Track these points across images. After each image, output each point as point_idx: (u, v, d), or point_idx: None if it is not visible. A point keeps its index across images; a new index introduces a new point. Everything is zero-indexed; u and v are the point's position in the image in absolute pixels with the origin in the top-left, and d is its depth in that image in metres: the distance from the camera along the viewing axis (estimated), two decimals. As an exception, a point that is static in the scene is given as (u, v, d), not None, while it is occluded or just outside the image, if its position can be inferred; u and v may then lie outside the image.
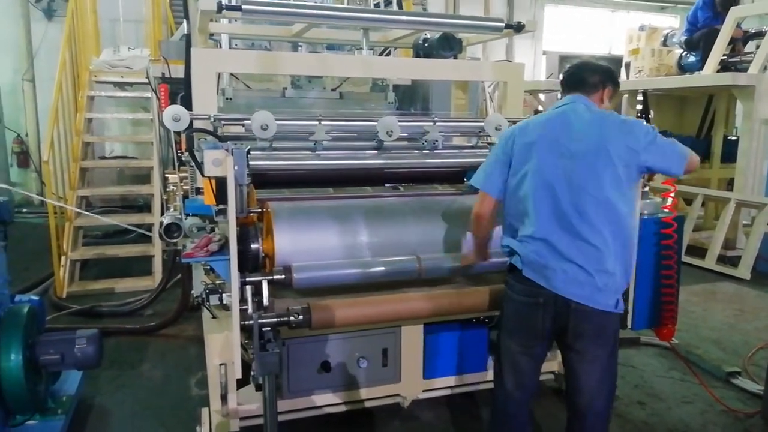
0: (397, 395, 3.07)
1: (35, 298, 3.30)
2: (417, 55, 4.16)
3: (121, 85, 6.41)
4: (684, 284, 3.76)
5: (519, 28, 3.71)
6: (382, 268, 2.84)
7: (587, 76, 2.44)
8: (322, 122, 3.06)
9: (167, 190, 3.94)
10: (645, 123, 2.36)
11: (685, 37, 7.70)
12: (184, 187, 3.54)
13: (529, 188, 2.32)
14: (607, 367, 2.36)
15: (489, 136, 3.44)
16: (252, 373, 2.52)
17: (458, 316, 3.03)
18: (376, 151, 3.26)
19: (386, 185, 3.65)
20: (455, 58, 4.07)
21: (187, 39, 4.29)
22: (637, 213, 3.05)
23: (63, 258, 5.29)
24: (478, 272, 3.07)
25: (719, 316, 4.98)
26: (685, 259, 5.98)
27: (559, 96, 2.54)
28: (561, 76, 2.57)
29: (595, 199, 2.22)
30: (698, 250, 6.47)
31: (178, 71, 5.15)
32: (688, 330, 4.55)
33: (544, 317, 2.29)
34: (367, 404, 3.04)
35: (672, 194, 2.81)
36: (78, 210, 5.47)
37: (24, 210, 8.43)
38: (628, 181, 2.27)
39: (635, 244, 2.31)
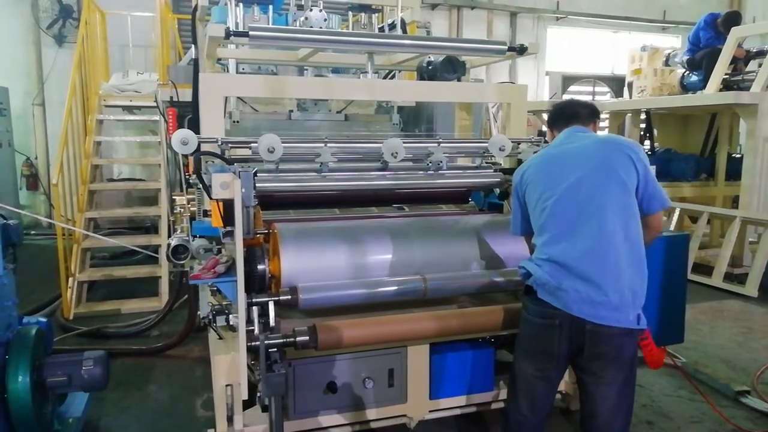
0: (404, 416, 3.05)
1: (43, 320, 3.30)
2: (421, 77, 4.22)
3: (129, 109, 6.51)
4: (691, 302, 3.76)
5: (522, 50, 3.76)
6: (388, 289, 2.85)
7: (580, 110, 2.58)
8: (328, 144, 3.10)
9: (174, 211, 3.99)
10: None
11: (687, 57, 7.77)
12: (192, 208, 3.58)
13: (540, 213, 2.39)
14: (624, 390, 2.32)
15: (493, 156, 3.47)
16: (258, 394, 2.54)
17: (464, 336, 3.02)
18: (381, 173, 3.29)
19: (391, 206, 3.68)
20: (459, 80, 4.12)
21: (195, 64, 4.38)
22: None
23: (71, 279, 5.33)
24: (486, 292, 3.07)
25: (727, 334, 4.94)
26: (691, 276, 5.97)
27: (547, 132, 2.68)
28: (548, 116, 2.73)
29: (606, 214, 2.24)
30: (705, 268, 6.44)
31: (185, 95, 5.24)
32: (696, 348, 4.52)
33: (561, 339, 2.27)
34: (373, 425, 3.03)
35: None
36: (86, 232, 5.52)
37: (32, 232, 8.50)
38: (633, 192, 2.29)
39: (645, 257, 2.31)
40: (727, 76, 7.16)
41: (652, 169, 2.38)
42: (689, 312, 3.71)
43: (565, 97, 12.87)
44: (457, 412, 3.19)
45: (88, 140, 5.98)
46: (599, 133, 2.58)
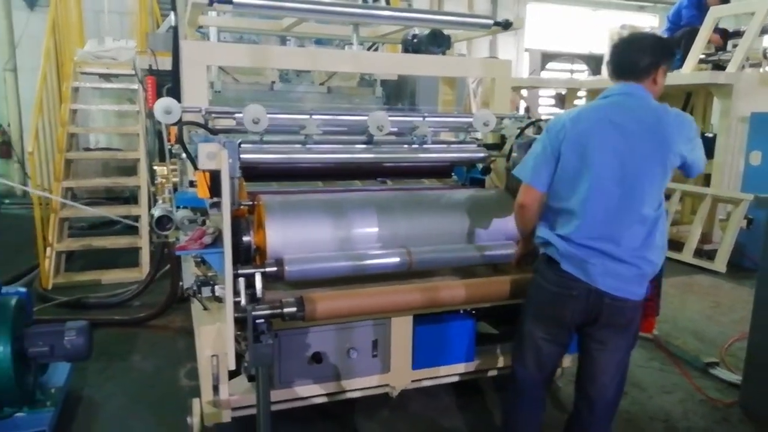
0: (387, 385, 3.11)
1: (22, 289, 3.26)
2: (406, 50, 4.20)
3: (106, 77, 6.35)
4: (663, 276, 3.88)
5: (507, 25, 3.77)
6: (373, 261, 2.87)
7: (637, 60, 2.26)
8: (313, 116, 3.09)
9: (156, 182, 3.94)
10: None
11: (666, 36, 7.83)
12: (173, 179, 3.55)
13: (580, 189, 2.25)
14: (625, 358, 2.40)
15: (476, 131, 3.50)
16: (244, 365, 2.56)
17: (447, 308, 3.07)
18: (365, 146, 3.29)
19: (374, 179, 3.70)
20: (444, 54, 4.12)
21: (175, 31, 4.30)
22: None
23: (48, 249, 5.25)
24: (470, 265, 3.12)
25: (697, 307, 5.11)
26: (663, 252, 6.12)
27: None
28: (608, 59, 2.40)
29: (646, 191, 2.20)
30: (676, 244, 6.62)
31: (164, 63, 5.15)
32: (667, 321, 4.66)
33: (574, 309, 2.29)
34: (357, 394, 3.08)
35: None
36: (64, 200, 5.43)
37: (6, 201, 8.33)
38: (671, 170, 2.25)
39: (666, 234, 2.33)
40: (704, 56, 7.25)
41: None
42: (661, 286, 3.83)
43: (545, 74, 12.86)
44: (439, 381, 3.26)
45: (63, 108, 5.84)
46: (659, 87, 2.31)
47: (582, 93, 8.83)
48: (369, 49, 5.15)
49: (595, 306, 2.26)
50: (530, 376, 2.53)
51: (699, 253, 6.46)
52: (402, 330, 3.05)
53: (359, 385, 3.05)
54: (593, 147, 2.23)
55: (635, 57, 2.27)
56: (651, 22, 13.47)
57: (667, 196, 7.19)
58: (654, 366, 3.92)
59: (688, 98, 8.06)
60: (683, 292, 5.50)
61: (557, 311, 2.35)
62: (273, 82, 4.79)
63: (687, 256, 6.38)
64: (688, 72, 6.96)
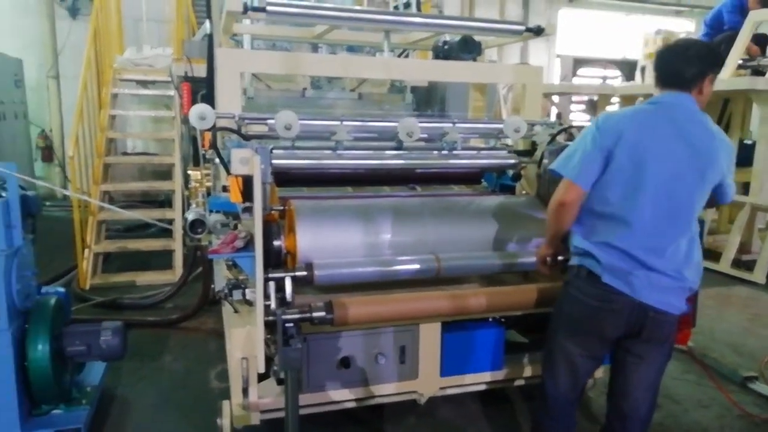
0: (415, 392, 3.10)
1: (61, 290, 3.34)
2: (437, 57, 4.22)
3: (143, 83, 6.52)
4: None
5: (539, 31, 3.74)
6: (402, 267, 2.88)
7: (684, 70, 2.20)
8: (344, 122, 3.12)
9: (189, 186, 4.02)
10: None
11: (706, 42, 7.62)
12: (207, 183, 3.62)
13: (631, 196, 2.18)
14: (660, 372, 2.37)
15: (507, 137, 3.49)
16: (273, 368, 2.59)
17: (477, 315, 3.06)
18: (395, 152, 3.31)
19: (403, 185, 3.70)
20: (474, 60, 4.11)
21: (210, 39, 4.38)
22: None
23: (86, 251, 5.40)
24: (499, 272, 3.10)
25: (734, 319, 4.97)
26: (700, 262, 5.96)
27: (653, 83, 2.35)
28: (653, 66, 2.34)
29: (695, 203, 2.20)
30: (713, 254, 6.44)
31: (199, 70, 5.26)
32: (703, 333, 4.55)
33: (615, 324, 2.23)
34: (385, 400, 3.08)
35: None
36: (102, 204, 5.58)
37: (47, 203, 8.57)
38: (711, 186, 2.24)
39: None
40: (742, 62, 7.05)
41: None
42: (697, 297, 3.74)
43: (575, 80, 12.70)
44: (467, 389, 3.24)
45: (102, 113, 6.01)
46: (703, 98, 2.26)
47: (615, 99, 8.70)
48: (400, 55, 5.18)
49: (639, 320, 2.21)
50: (562, 392, 2.47)
51: (737, 263, 6.29)
52: (430, 337, 3.04)
53: (387, 390, 3.05)
54: (650, 155, 2.16)
55: (681, 67, 2.21)
56: (687, 27, 13.21)
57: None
58: (689, 379, 3.82)
59: (725, 105, 7.86)
60: (720, 304, 5.36)
61: (597, 326, 2.28)
62: (304, 89, 4.86)
63: (724, 266, 6.21)
64: (726, 78, 6.79)
